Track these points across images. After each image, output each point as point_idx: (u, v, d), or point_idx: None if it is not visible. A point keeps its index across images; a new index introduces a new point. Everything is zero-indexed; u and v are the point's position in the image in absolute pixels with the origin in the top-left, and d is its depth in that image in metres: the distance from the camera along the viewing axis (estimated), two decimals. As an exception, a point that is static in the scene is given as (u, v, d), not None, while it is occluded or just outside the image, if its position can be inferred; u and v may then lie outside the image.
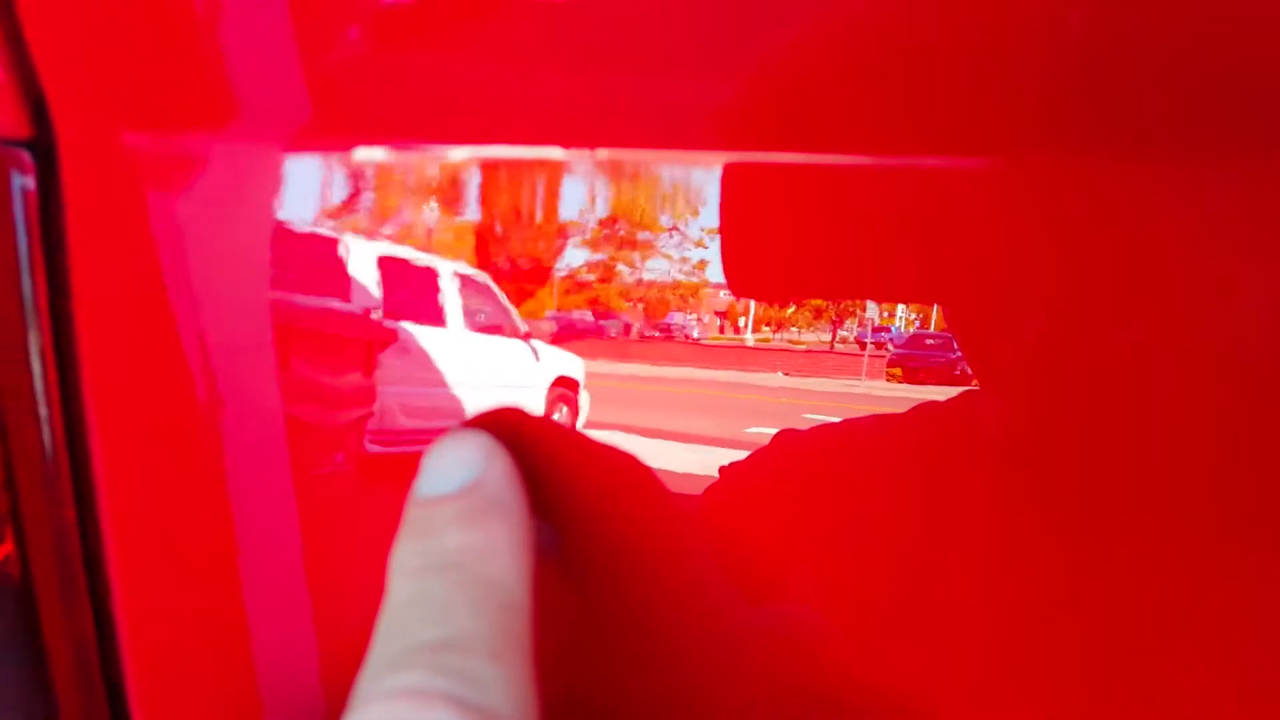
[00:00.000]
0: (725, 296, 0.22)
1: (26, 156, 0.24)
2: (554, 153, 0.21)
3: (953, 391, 0.21)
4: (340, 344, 0.24)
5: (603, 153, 0.20)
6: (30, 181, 0.24)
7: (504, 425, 0.22)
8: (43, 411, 0.25)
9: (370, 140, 0.23)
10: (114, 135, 0.23)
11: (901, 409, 0.21)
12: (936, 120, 0.19)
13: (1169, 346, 0.19)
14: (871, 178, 0.20)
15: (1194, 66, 0.18)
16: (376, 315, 0.24)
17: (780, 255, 0.21)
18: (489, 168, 0.21)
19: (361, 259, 0.24)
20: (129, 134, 0.23)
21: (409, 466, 0.23)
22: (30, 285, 0.24)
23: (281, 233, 0.24)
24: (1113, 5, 0.17)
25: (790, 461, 0.22)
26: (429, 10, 0.21)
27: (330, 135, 0.23)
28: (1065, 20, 0.18)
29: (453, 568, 0.18)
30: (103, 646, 0.26)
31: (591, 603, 0.23)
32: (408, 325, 0.24)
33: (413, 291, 0.24)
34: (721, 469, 0.22)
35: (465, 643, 0.17)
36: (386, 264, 0.23)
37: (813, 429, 0.21)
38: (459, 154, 0.22)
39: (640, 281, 0.22)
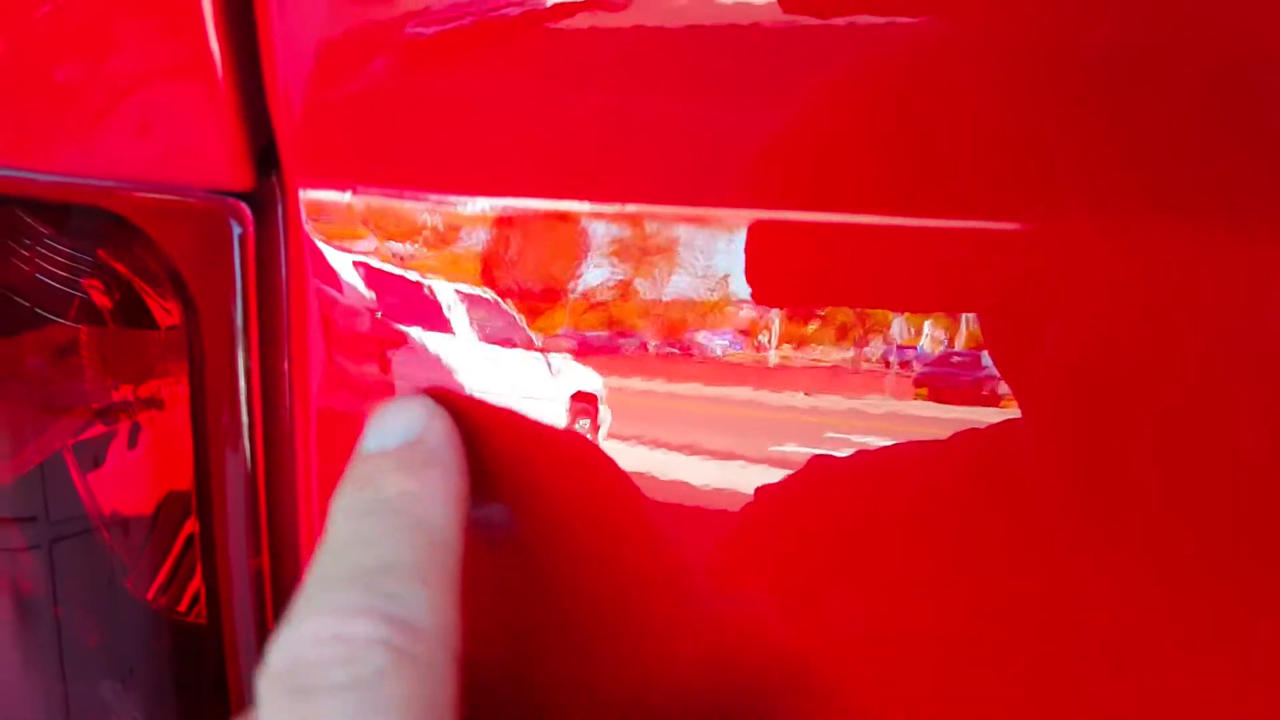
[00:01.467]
0: (746, 314, 0.21)
1: (246, 209, 0.25)
2: (577, 206, 0.21)
3: (983, 412, 0.21)
4: (354, 337, 0.24)
5: (630, 207, 0.21)
6: (248, 230, 0.25)
7: (447, 399, 0.23)
8: (245, 445, 0.25)
9: (455, 189, 0.23)
10: (341, 190, 0.24)
11: (929, 429, 0.21)
12: (966, 182, 0.20)
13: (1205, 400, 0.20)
14: (900, 237, 0.20)
15: (1227, 135, 0.18)
16: (377, 315, 0.24)
17: (806, 263, 0.21)
18: (504, 222, 0.22)
19: (340, 262, 0.24)
20: (358, 190, 0.24)
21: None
22: (243, 335, 0.25)
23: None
24: (1146, 73, 0.18)
25: (824, 487, 0.22)
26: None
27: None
28: (1093, 92, 0.18)
29: (390, 511, 0.20)
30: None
31: (539, 583, 0.24)
32: (412, 329, 0.24)
33: (405, 299, 0.24)
34: (756, 490, 0.22)
35: (396, 569, 0.18)
36: (367, 270, 0.24)
37: (852, 455, 0.21)
38: (477, 205, 0.22)
39: (659, 300, 0.21)
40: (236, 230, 0.24)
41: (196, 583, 0.27)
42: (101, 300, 0.31)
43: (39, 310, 0.31)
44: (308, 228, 0.24)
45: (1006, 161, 0.19)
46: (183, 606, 0.28)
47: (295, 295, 0.25)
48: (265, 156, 0.25)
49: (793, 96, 0.20)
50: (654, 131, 0.21)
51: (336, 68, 0.23)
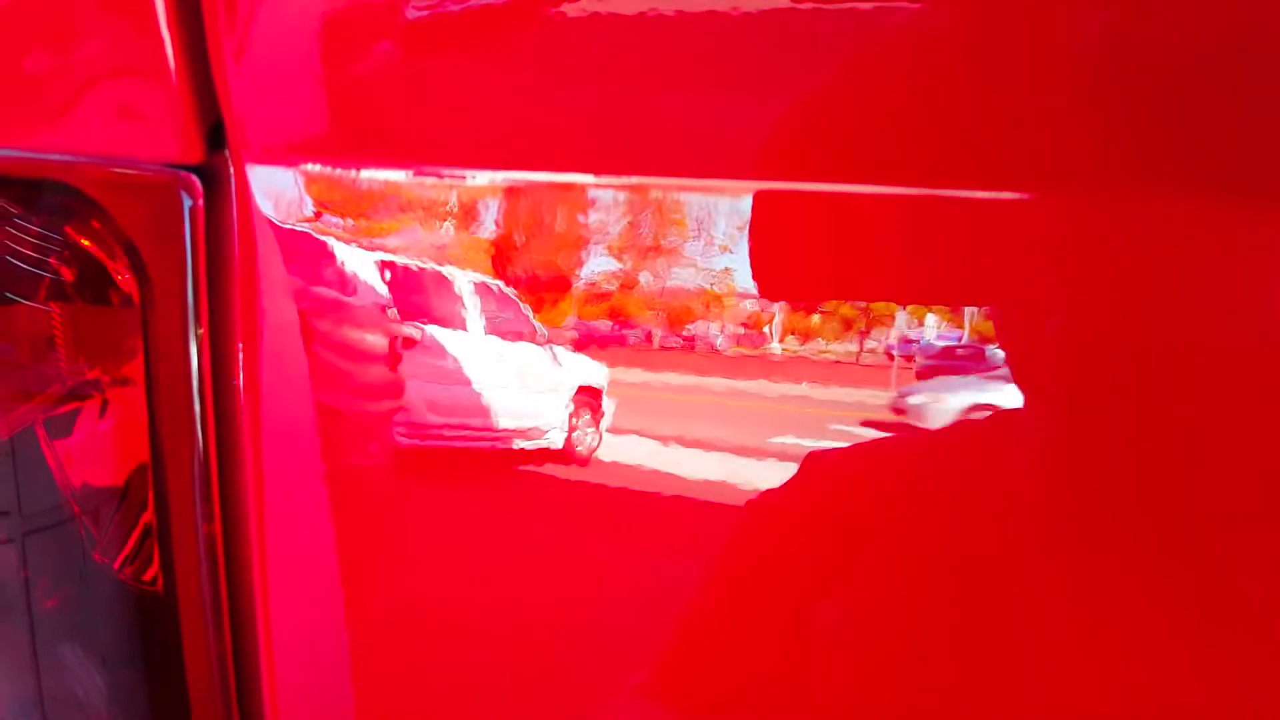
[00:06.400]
0: (750, 306, 0.21)
1: (196, 181, 0.25)
2: (582, 179, 0.21)
3: (985, 404, 0.21)
4: (363, 338, 0.24)
5: (633, 179, 0.21)
6: (198, 202, 0.25)
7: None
8: (197, 419, 0.26)
9: (393, 161, 0.23)
10: (287, 165, 0.24)
11: (932, 420, 0.21)
12: (971, 154, 0.20)
13: (1210, 371, 0.19)
14: (908, 207, 0.20)
15: (1230, 107, 0.18)
16: (392, 314, 0.24)
17: (810, 261, 0.21)
18: (513, 193, 0.22)
19: (365, 263, 0.24)
20: (301, 164, 0.24)
21: (438, 460, 0.23)
22: (193, 299, 0.25)
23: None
24: (1150, 53, 0.18)
25: (826, 477, 0.22)
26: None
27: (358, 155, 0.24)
28: (1094, 71, 0.18)
29: None
30: (240, 663, 0.27)
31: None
32: (426, 326, 0.24)
33: (425, 296, 0.24)
34: (757, 480, 0.22)
35: None
36: (393, 269, 0.24)
37: (848, 448, 0.21)
38: (484, 178, 0.22)
39: (664, 290, 0.22)
40: (187, 202, 0.25)
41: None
42: (70, 278, 0.31)
43: (9, 294, 0.32)
44: (256, 202, 0.25)
45: (1011, 133, 0.19)
46: (148, 576, 0.29)
47: (245, 268, 0.25)
48: (217, 134, 0.25)
49: (798, 69, 0.20)
50: (620, 103, 0.21)
51: (282, 45, 0.23)
